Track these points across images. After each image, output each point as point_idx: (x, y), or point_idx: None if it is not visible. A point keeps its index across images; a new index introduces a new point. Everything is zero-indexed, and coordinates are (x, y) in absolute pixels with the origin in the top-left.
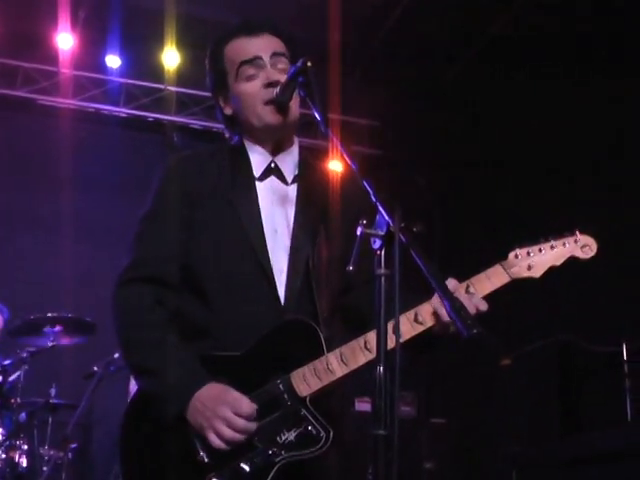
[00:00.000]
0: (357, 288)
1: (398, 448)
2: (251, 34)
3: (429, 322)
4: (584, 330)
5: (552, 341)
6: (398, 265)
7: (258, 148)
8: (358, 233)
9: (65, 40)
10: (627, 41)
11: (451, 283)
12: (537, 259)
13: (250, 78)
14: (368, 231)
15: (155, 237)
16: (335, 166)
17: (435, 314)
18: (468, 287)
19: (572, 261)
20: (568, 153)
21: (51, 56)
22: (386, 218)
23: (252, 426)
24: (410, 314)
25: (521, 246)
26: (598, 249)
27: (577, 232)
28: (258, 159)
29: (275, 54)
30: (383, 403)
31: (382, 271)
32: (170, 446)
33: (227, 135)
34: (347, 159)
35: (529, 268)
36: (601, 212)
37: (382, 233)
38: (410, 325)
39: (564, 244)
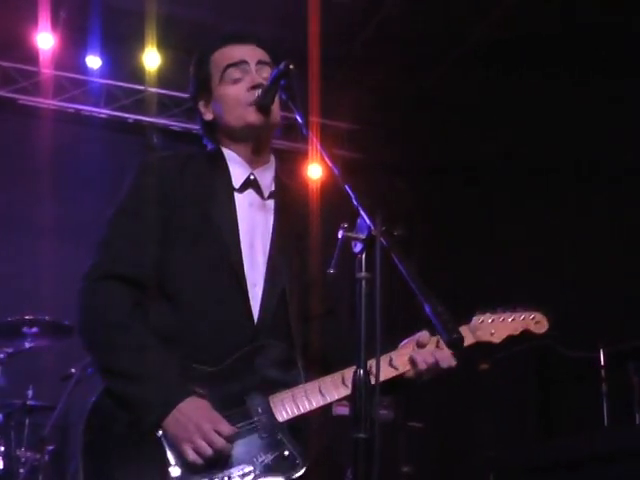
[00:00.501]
0: (316, 321)
1: (378, 451)
2: (238, 42)
3: (403, 368)
4: (562, 335)
5: (529, 346)
6: (379, 269)
7: (237, 158)
8: (339, 236)
9: (45, 40)
10: (617, 43)
11: (423, 336)
12: (499, 327)
13: (235, 81)
14: (349, 234)
15: (132, 234)
16: (311, 183)
17: (411, 361)
18: (439, 342)
19: (552, 266)
20: (553, 155)
21: (31, 56)
22: (367, 222)
23: (229, 447)
24: (385, 357)
25: (483, 312)
26: (548, 327)
27: (533, 310)
28: (237, 170)
29: (260, 62)
30: (363, 407)
31: (363, 274)
32: (137, 456)
33: (204, 142)
34: (328, 162)
35: (491, 334)
36: (579, 219)
37: (363, 237)
38: (384, 368)
39: (522, 317)
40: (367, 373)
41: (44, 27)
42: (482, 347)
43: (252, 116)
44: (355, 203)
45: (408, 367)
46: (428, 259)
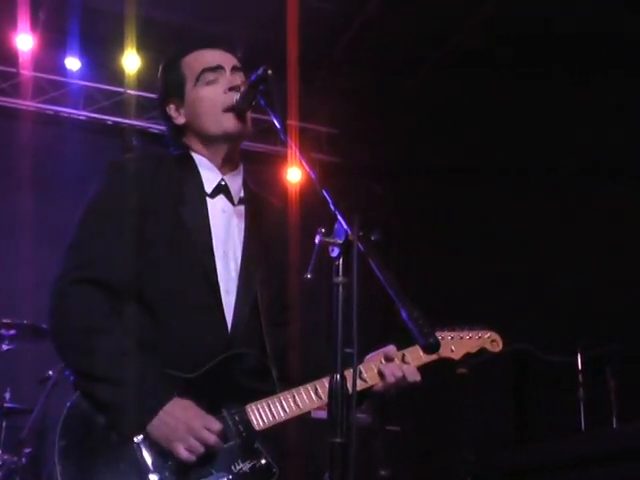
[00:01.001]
0: (288, 328)
1: (354, 455)
2: (211, 47)
3: (372, 381)
4: (539, 339)
5: (507, 350)
6: (356, 273)
7: (207, 163)
8: (317, 241)
9: (25, 41)
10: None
11: (390, 350)
12: (457, 344)
13: (210, 83)
14: (327, 239)
15: (103, 236)
16: (278, 191)
17: (379, 373)
18: (404, 356)
19: (531, 269)
20: (531, 155)
21: (10, 57)
22: (344, 226)
23: (220, 444)
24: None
25: (442, 330)
26: (502, 347)
27: (489, 331)
28: (208, 175)
29: (235, 68)
30: (340, 411)
31: (340, 279)
32: (114, 461)
33: (170, 148)
34: (306, 167)
35: (451, 351)
36: (560, 223)
37: (340, 241)
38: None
39: (478, 336)
40: (343, 378)
41: (23, 28)
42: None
43: (229, 123)
44: (332, 208)
45: (377, 380)
46: (405, 263)
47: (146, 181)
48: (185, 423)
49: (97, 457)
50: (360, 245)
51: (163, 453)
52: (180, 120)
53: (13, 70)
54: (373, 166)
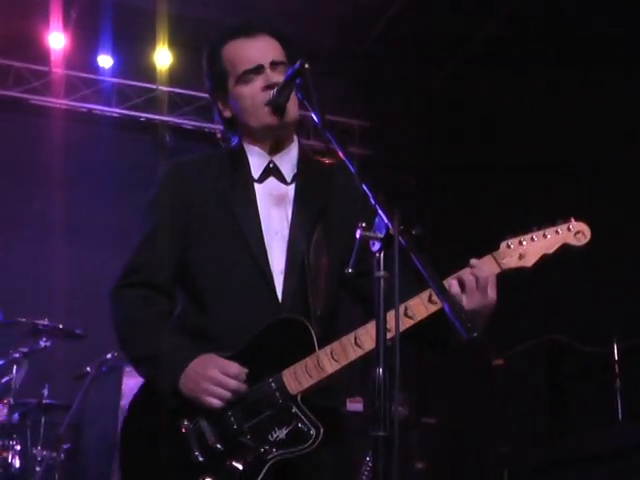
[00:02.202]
0: (346, 286)
1: (392, 448)
2: (250, 36)
3: (419, 316)
4: (575, 330)
5: (543, 341)
6: (398, 268)
7: (256, 149)
8: (357, 236)
9: (57, 40)
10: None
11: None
12: (529, 248)
13: (250, 81)
14: (367, 234)
15: (147, 246)
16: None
17: (461, 284)
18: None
19: (565, 260)
20: (558, 152)
21: (43, 56)
22: (385, 221)
23: (243, 386)
24: (401, 307)
25: (514, 235)
26: (592, 236)
27: (572, 219)
28: (257, 160)
29: (274, 62)
30: (382, 404)
31: (381, 274)
32: (167, 445)
33: (224, 136)
34: (346, 161)
35: (520, 257)
36: (594, 211)
37: (381, 236)
38: (424, 307)
39: (557, 232)
40: (386, 371)
41: (55, 27)
42: (496, 340)
43: (268, 118)
44: (373, 202)
45: (424, 314)
46: (438, 256)
47: (194, 181)
48: (203, 375)
49: (151, 443)
50: (401, 239)
51: (204, 436)
52: (227, 114)
53: (45, 69)
54: (405, 158)
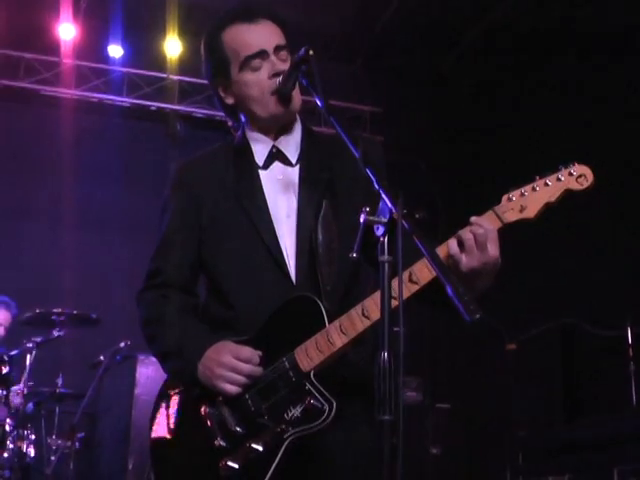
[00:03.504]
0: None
1: (404, 433)
2: (250, 21)
3: (424, 280)
4: (588, 313)
5: (556, 325)
6: (401, 252)
7: (260, 136)
8: (361, 220)
9: (67, 30)
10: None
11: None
12: (531, 198)
13: (255, 69)
14: (371, 218)
15: (163, 249)
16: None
17: (460, 243)
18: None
19: (579, 244)
20: (569, 136)
21: (53, 46)
22: (389, 205)
23: (257, 370)
24: (405, 273)
25: (515, 187)
26: (594, 179)
27: (574, 163)
28: (260, 147)
29: (278, 47)
30: (388, 387)
31: (386, 258)
32: (192, 432)
33: (230, 124)
34: (350, 146)
35: (522, 210)
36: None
37: (385, 220)
38: (427, 270)
39: (558, 178)
40: (391, 354)
41: (65, 17)
42: (509, 324)
43: (274, 107)
44: (376, 186)
45: (429, 277)
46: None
47: (204, 178)
48: (216, 361)
49: (177, 432)
50: (405, 223)
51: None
52: (229, 100)
53: (56, 59)
54: (417, 143)
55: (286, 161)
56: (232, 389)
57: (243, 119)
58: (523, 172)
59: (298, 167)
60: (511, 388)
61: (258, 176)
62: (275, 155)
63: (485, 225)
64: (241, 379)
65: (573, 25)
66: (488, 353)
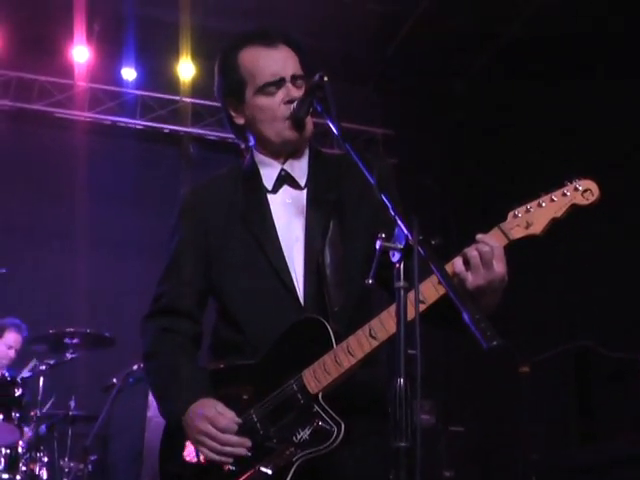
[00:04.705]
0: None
1: (420, 459)
2: (269, 45)
3: (431, 299)
4: (602, 336)
5: (570, 347)
6: (418, 278)
7: (268, 160)
8: (377, 246)
9: (81, 53)
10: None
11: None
12: (536, 214)
13: (270, 94)
14: (387, 244)
15: (168, 274)
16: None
17: (465, 261)
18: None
19: (592, 265)
20: (582, 157)
21: (67, 69)
22: (405, 231)
23: (234, 440)
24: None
25: (520, 204)
26: (600, 193)
27: (578, 178)
28: (269, 171)
29: (295, 77)
30: (404, 414)
31: (401, 284)
32: (200, 458)
33: (242, 146)
34: (365, 172)
35: (528, 226)
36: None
37: (401, 246)
38: (434, 289)
39: (564, 193)
40: (407, 381)
41: (79, 40)
42: (523, 346)
43: (287, 132)
44: (392, 212)
45: (435, 296)
46: None
47: (213, 204)
48: (196, 426)
49: (187, 455)
50: (420, 249)
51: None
52: (239, 120)
53: (69, 82)
54: (430, 166)
55: (295, 184)
56: (213, 457)
57: (252, 141)
58: (537, 192)
59: (306, 190)
60: (525, 411)
61: (267, 200)
62: (284, 179)
63: (491, 242)
64: (217, 447)
65: (587, 44)
66: (501, 376)
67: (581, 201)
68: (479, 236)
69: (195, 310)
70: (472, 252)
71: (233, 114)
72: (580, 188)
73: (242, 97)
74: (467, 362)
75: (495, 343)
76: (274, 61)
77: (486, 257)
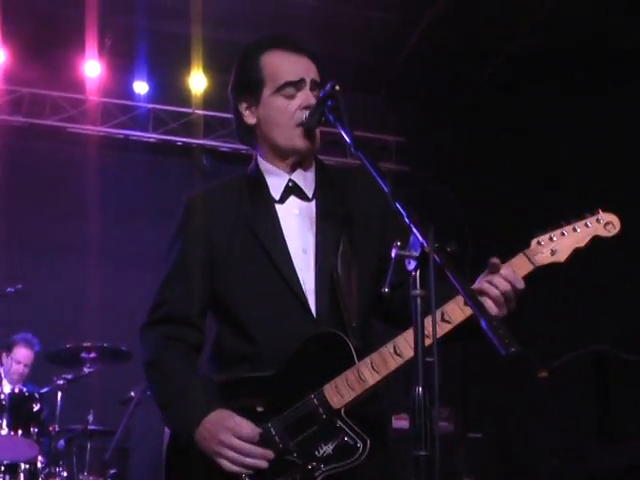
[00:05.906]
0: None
1: (439, 466)
2: (293, 51)
3: (457, 320)
4: (620, 339)
5: (588, 351)
6: (434, 286)
7: (275, 169)
8: (393, 255)
9: (92, 68)
10: None
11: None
12: (560, 243)
13: (289, 96)
14: (402, 252)
15: (172, 280)
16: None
17: (488, 283)
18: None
19: (608, 270)
20: (595, 164)
21: (79, 84)
22: (420, 239)
23: (258, 451)
24: (437, 312)
25: (544, 232)
26: (621, 227)
27: (599, 210)
28: (275, 181)
29: (314, 82)
30: (423, 423)
31: (418, 292)
32: (217, 472)
33: (247, 148)
34: (379, 181)
35: (552, 253)
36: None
37: (416, 254)
38: (460, 310)
39: (586, 224)
40: (426, 389)
41: (91, 55)
42: (540, 352)
43: (299, 141)
44: (407, 220)
45: (461, 318)
46: (480, 269)
47: (217, 212)
48: (215, 436)
49: (198, 471)
50: (436, 257)
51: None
52: (251, 120)
53: (81, 97)
54: (443, 173)
55: (302, 195)
56: (233, 469)
57: (257, 149)
58: (549, 203)
59: (314, 202)
60: (544, 416)
61: (275, 210)
62: (291, 189)
63: (512, 279)
64: (239, 458)
65: (597, 52)
66: (519, 382)
67: (604, 233)
68: (503, 272)
69: (198, 319)
70: (493, 291)
71: (245, 113)
72: (602, 221)
73: (258, 95)
74: (485, 368)
75: (513, 350)
76: (299, 65)
77: (508, 296)
